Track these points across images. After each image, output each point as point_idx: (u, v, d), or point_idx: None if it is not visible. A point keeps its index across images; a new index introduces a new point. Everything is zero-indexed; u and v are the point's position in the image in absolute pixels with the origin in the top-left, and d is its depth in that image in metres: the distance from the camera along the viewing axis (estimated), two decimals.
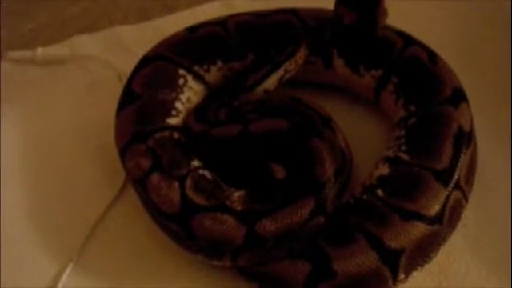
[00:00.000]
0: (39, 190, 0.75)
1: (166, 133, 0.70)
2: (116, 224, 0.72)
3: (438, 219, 0.64)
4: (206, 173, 0.68)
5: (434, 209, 0.64)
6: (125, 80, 0.77)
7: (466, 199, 0.68)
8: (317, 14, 0.78)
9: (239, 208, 0.63)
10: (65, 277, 0.68)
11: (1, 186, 0.75)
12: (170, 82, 0.75)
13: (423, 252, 0.64)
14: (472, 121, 0.70)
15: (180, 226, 0.64)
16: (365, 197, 0.67)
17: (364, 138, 0.76)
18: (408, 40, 0.75)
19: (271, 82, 0.74)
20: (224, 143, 0.70)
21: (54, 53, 0.87)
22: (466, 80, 0.73)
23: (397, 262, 0.62)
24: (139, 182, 0.67)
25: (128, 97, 0.74)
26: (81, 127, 0.80)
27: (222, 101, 0.74)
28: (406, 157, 0.68)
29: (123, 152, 0.70)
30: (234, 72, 0.77)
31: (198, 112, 0.74)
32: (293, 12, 0.79)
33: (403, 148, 0.69)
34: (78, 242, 0.70)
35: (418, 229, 0.63)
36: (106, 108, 0.75)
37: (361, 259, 0.62)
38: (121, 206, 0.74)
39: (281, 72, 0.73)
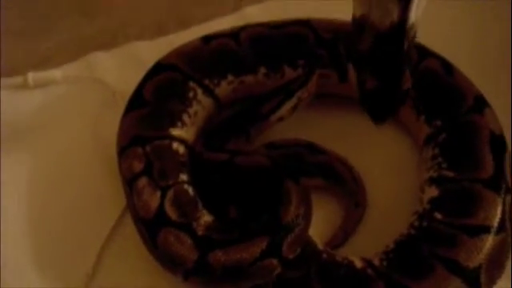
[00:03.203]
0: (48, 205, 0.76)
1: (166, 141, 0.72)
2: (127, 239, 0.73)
3: (502, 227, 0.64)
4: (190, 189, 0.69)
5: (496, 218, 0.64)
6: None
7: None
8: (331, 26, 0.78)
9: (200, 233, 0.64)
10: None
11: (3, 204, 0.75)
12: (180, 93, 0.76)
13: (498, 263, 0.64)
14: (499, 124, 0.71)
15: (148, 233, 0.66)
16: (425, 223, 0.66)
17: (379, 149, 0.77)
18: (422, 52, 0.75)
19: (285, 111, 0.75)
20: (210, 166, 0.71)
21: (47, 76, 0.86)
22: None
23: (478, 279, 0.62)
24: (128, 183, 0.69)
25: (137, 101, 0.75)
26: (94, 145, 0.80)
27: (234, 130, 0.76)
28: (450, 174, 0.69)
29: (121, 152, 0.71)
30: (248, 100, 0.77)
31: (208, 136, 0.75)
32: (307, 24, 0.79)
33: (444, 165, 0.69)
34: (91, 259, 0.71)
35: (488, 241, 0.63)
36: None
37: (445, 287, 0.61)
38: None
39: (294, 100, 0.74)
